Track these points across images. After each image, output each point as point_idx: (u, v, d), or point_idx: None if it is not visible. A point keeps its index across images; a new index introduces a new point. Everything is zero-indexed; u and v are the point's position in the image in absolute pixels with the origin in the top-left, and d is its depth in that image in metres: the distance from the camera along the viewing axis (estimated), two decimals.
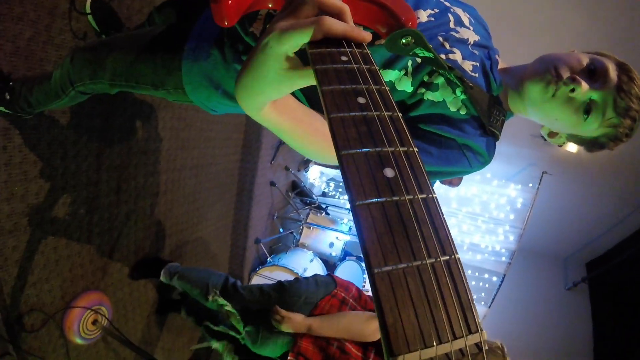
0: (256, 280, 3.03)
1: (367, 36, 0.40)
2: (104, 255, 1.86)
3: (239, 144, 3.03)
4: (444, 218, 0.26)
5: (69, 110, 1.55)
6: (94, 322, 1.77)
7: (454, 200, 3.75)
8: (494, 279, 3.54)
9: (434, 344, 0.20)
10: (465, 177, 3.60)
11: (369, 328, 1.44)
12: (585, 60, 0.79)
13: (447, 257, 0.24)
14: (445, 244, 0.24)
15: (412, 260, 0.23)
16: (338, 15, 0.42)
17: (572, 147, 3.09)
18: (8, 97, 1.27)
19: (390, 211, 0.25)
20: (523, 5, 2.58)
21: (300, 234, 3.59)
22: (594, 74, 0.77)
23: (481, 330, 0.22)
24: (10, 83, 1.28)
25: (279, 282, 1.79)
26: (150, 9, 1.78)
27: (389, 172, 0.27)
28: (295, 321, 1.51)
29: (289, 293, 1.67)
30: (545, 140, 3.34)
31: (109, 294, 1.89)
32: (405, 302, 0.21)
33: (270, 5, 0.63)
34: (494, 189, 3.58)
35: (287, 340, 1.55)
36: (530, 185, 3.36)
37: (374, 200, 0.25)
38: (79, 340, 1.70)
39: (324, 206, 3.93)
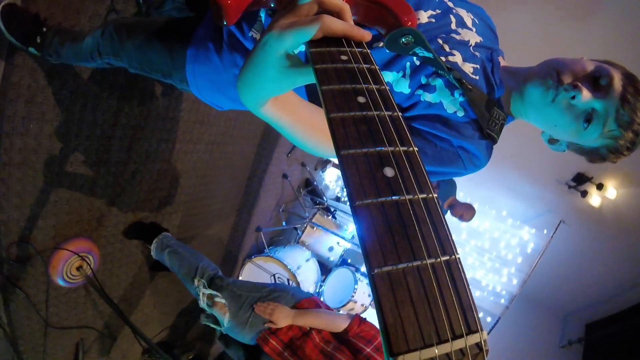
0: (248, 267, 3.05)
1: (367, 35, 0.40)
2: (102, 208, 1.92)
3: (259, 129, 3.07)
4: (444, 218, 0.26)
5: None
6: (79, 268, 1.83)
7: (465, 230, 3.66)
8: (488, 319, 3.43)
9: (434, 343, 0.20)
10: (480, 211, 3.51)
11: (340, 318, 1.66)
12: (590, 67, 0.76)
13: (447, 257, 0.24)
14: (446, 243, 0.24)
15: (412, 259, 0.23)
16: (338, 14, 0.42)
17: (595, 201, 2.95)
18: (39, 40, 1.34)
19: (390, 211, 0.25)
20: (531, 6, 2.46)
21: (303, 231, 3.59)
22: (597, 82, 0.74)
23: (481, 329, 0.22)
24: (44, 29, 1.35)
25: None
26: None
27: (388, 172, 0.27)
28: (284, 313, 1.66)
29: (278, 288, 1.84)
30: (569, 188, 3.22)
31: (99, 245, 1.96)
32: (405, 301, 0.21)
33: (270, 5, 0.63)
34: (508, 227, 3.48)
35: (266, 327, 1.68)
36: (545, 231, 3.23)
37: (373, 200, 0.25)
38: (60, 282, 1.76)
39: (332, 209, 3.92)
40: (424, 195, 0.26)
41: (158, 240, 2.10)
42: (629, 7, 2.25)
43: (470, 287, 0.23)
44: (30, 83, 1.44)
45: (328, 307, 1.87)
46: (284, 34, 0.39)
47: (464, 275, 0.24)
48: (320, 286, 3.44)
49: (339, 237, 3.55)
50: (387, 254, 0.23)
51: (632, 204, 2.78)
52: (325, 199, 3.90)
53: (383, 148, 0.28)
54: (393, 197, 0.25)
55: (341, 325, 1.64)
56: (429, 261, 0.23)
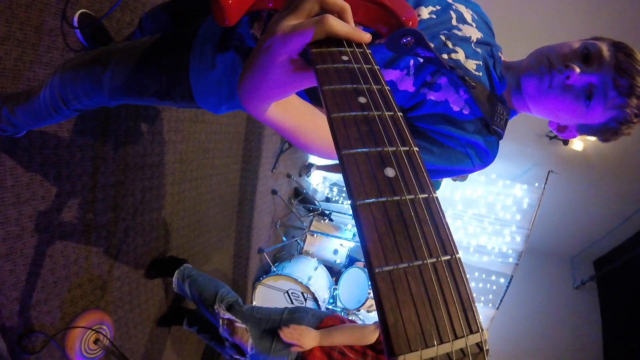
0: (260, 290, 3.01)
1: (367, 37, 0.40)
2: (103, 274, 1.84)
3: (239, 153, 3.02)
4: (445, 218, 0.26)
5: (60, 129, 1.54)
6: (96, 342, 1.75)
7: (460, 202, 3.71)
8: (502, 280, 3.49)
9: (435, 343, 0.20)
10: (470, 178, 3.56)
11: (367, 330, 1.62)
12: (577, 46, 0.77)
13: (448, 257, 0.24)
14: (446, 243, 0.24)
15: (413, 259, 0.23)
16: (340, 14, 0.41)
17: (577, 145, 3.04)
18: None
19: (391, 211, 0.25)
20: (525, 2, 2.55)
21: (304, 241, 3.57)
22: (588, 57, 0.75)
23: (482, 330, 0.22)
24: None
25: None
26: (137, 25, 1.77)
27: (390, 172, 0.27)
28: (311, 335, 1.61)
29: (298, 309, 1.81)
30: (550, 139, 3.31)
31: (109, 312, 1.88)
32: (406, 301, 0.21)
33: (270, 5, 0.63)
34: (500, 189, 3.54)
35: (294, 354, 1.65)
36: (537, 184, 3.31)
37: (374, 199, 0.25)
38: None
39: (327, 212, 3.91)
40: (425, 195, 0.26)
41: (179, 271, 2.09)
42: None
43: (469, 285, 0.24)
44: None
45: (352, 322, 1.84)
46: (288, 37, 0.38)
47: (465, 275, 0.24)
48: (335, 290, 3.43)
49: (341, 238, 3.55)
50: (388, 254, 0.23)
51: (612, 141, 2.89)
52: (317, 204, 3.88)
53: (384, 148, 0.28)
54: (394, 197, 0.25)
55: (371, 337, 1.60)
56: (430, 261, 0.23)
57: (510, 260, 3.40)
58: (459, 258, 0.24)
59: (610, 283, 3.99)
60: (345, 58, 0.37)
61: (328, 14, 0.39)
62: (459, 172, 0.84)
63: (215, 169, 2.71)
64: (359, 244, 3.48)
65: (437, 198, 0.27)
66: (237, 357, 1.81)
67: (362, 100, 0.32)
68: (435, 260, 0.23)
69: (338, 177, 4.16)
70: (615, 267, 3.86)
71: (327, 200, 4.46)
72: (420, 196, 0.26)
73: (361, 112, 0.31)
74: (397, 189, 0.26)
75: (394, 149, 0.29)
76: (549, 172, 3.05)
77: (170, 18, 1.26)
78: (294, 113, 0.55)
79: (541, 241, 3.92)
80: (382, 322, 0.21)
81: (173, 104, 0.96)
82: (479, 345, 0.22)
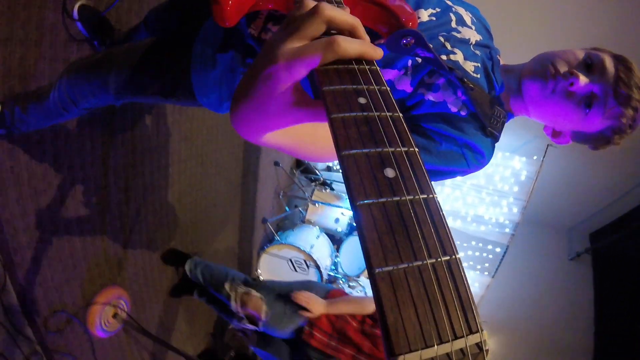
0: (265, 258, 3.13)
1: (381, 53, 0.37)
2: (118, 252, 1.94)
3: None
4: (444, 218, 0.26)
5: (70, 120, 1.57)
6: (114, 316, 1.88)
7: None
8: (498, 249, 3.61)
9: (435, 343, 0.21)
10: None
11: (367, 300, 1.80)
12: (581, 55, 0.79)
13: (448, 257, 0.24)
14: (446, 244, 0.24)
15: (412, 260, 0.23)
16: (350, 33, 0.37)
17: None
18: None
19: (391, 211, 0.25)
20: (524, 5, 2.48)
21: (306, 210, 3.65)
22: (591, 67, 0.78)
23: (482, 330, 0.22)
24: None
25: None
26: (138, 7, 1.74)
27: (389, 172, 0.27)
28: (319, 301, 1.77)
29: (305, 284, 1.96)
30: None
31: (126, 288, 2.00)
32: (406, 301, 0.21)
33: (270, 6, 0.63)
34: (499, 161, 3.57)
35: (305, 317, 1.78)
36: (535, 157, 3.34)
37: (374, 200, 0.25)
38: (101, 334, 1.82)
39: (328, 182, 3.96)
40: (425, 196, 0.26)
41: (192, 259, 2.27)
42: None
43: (469, 285, 0.24)
44: (12, 165, 1.40)
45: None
46: (293, 64, 0.33)
47: (465, 275, 0.24)
48: (336, 257, 3.56)
49: (342, 207, 3.63)
50: (388, 254, 0.23)
51: None
52: (319, 174, 3.93)
53: (384, 149, 0.28)
54: (394, 198, 0.25)
55: (370, 306, 1.75)
56: (429, 261, 0.23)
57: (507, 230, 3.50)
58: (459, 258, 0.24)
59: (605, 256, 4.09)
60: None
61: (337, 35, 0.34)
62: (455, 173, 0.85)
63: (219, 144, 2.74)
64: None
65: (437, 198, 0.27)
66: (248, 326, 1.93)
67: (362, 100, 0.32)
68: (434, 260, 0.23)
69: None
70: (611, 241, 3.95)
71: (329, 169, 4.51)
72: (420, 196, 0.26)
73: (361, 112, 0.31)
74: (397, 190, 0.26)
75: (394, 149, 0.29)
76: (547, 145, 3.07)
77: (175, 17, 1.25)
78: (292, 134, 0.49)
79: (538, 212, 3.99)
80: (382, 322, 0.21)
81: (176, 102, 0.99)
82: (479, 346, 0.22)
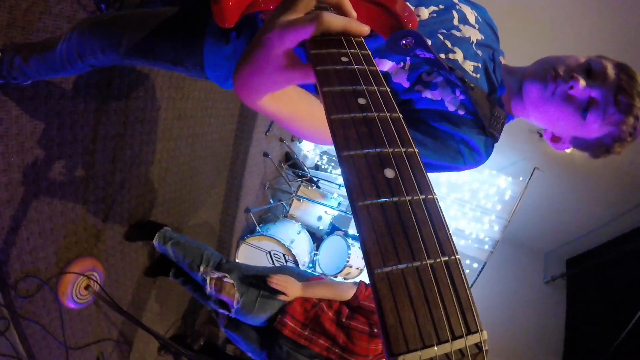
0: (244, 248, 3.09)
1: (366, 30, 0.40)
2: (97, 223, 1.89)
3: (235, 113, 3.00)
4: (444, 218, 0.26)
5: (66, 80, 1.52)
6: (87, 287, 1.82)
7: (444, 185, 3.80)
8: (475, 265, 3.65)
9: (434, 343, 0.21)
10: None
11: (345, 286, 1.72)
12: (582, 60, 0.80)
13: (447, 258, 0.24)
14: (445, 244, 0.24)
15: (411, 260, 0.23)
16: (337, 8, 0.42)
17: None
18: None
19: (390, 212, 0.25)
20: (530, 8, 2.54)
21: (290, 205, 3.63)
22: (591, 72, 0.78)
23: (481, 330, 0.22)
24: None
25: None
26: None
27: (389, 173, 0.27)
28: (295, 285, 1.69)
29: (283, 268, 1.88)
30: (540, 137, 3.38)
31: (101, 260, 1.94)
32: (405, 302, 0.21)
33: (272, 7, 0.62)
34: (485, 178, 3.62)
35: (279, 304, 1.70)
36: (521, 178, 3.40)
37: (374, 200, 0.25)
38: (71, 305, 1.76)
39: (315, 179, 3.96)
40: (424, 196, 0.26)
41: (160, 233, 2.10)
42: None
43: (468, 285, 0.24)
44: (2, 116, 1.34)
45: None
46: (284, 33, 0.39)
47: (464, 275, 0.24)
48: (315, 255, 3.55)
49: (326, 206, 3.62)
50: (387, 255, 0.23)
51: None
52: (307, 171, 3.93)
53: (383, 149, 0.28)
54: (393, 198, 0.25)
55: (349, 292, 1.69)
56: (428, 262, 0.23)
57: (486, 247, 3.55)
58: (459, 259, 0.24)
59: (579, 283, 4.15)
60: (345, 60, 0.37)
61: (324, 10, 0.39)
62: (450, 169, 0.85)
63: (211, 127, 2.70)
64: (343, 213, 3.59)
65: (436, 199, 0.27)
66: (221, 311, 1.88)
67: (361, 101, 0.32)
68: (433, 261, 0.23)
69: (328, 147, 4.17)
70: (587, 268, 4.02)
71: (317, 167, 4.50)
72: (420, 197, 0.26)
73: (360, 113, 0.31)
74: (396, 190, 0.26)
75: (393, 149, 0.29)
76: (534, 168, 3.15)
77: None
78: (288, 103, 0.54)
79: (518, 233, 4.06)
80: (382, 322, 0.21)
81: (184, 71, 0.98)
82: (478, 346, 0.22)
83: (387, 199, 0.25)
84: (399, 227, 0.24)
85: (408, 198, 0.26)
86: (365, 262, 0.23)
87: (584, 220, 3.89)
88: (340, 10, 0.42)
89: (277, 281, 1.68)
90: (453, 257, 0.24)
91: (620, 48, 2.26)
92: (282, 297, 1.68)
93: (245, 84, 0.46)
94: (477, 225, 3.58)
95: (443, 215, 0.26)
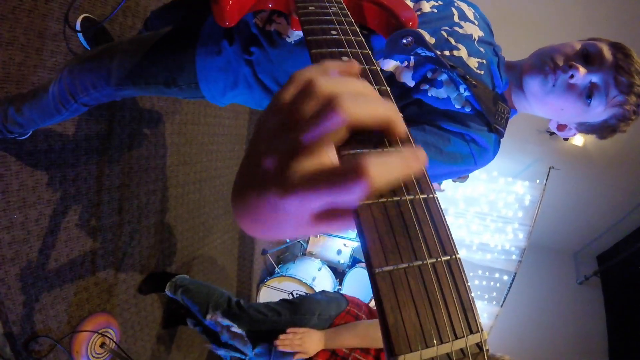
0: (265, 292, 3.00)
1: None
2: (109, 277, 1.84)
3: (241, 155, 3.02)
4: (445, 218, 0.26)
5: (65, 132, 1.54)
6: (102, 345, 1.75)
7: (462, 200, 3.71)
8: (505, 277, 3.50)
9: (435, 343, 0.21)
10: (472, 176, 3.56)
11: (377, 327, 1.43)
12: (578, 46, 0.80)
13: (448, 257, 0.24)
14: (446, 244, 0.24)
15: (413, 260, 0.23)
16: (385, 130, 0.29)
17: (578, 141, 3.05)
18: None
19: (391, 211, 0.25)
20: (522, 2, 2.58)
21: (307, 242, 3.57)
22: (588, 57, 0.78)
23: (482, 330, 0.22)
24: None
25: (286, 299, 1.77)
26: (142, 25, 1.77)
27: None
28: (314, 339, 1.44)
29: (301, 310, 1.60)
30: (551, 135, 3.32)
31: (115, 316, 1.88)
32: (406, 301, 0.21)
33: (270, 6, 0.62)
34: (502, 186, 3.54)
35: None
36: (538, 181, 3.32)
37: (375, 200, 0.25)
38: None
39: None
40: (425, 196, 0.26)
41: (171, 283, 2.02)
42: None
43: (469, 285, 0.23)
44: (2, 172, 1.35)
45: (369, 308, 1.66)
46: (308, 198, 0.24)
47: (465, 275, 0.24)
48: (339, 289, 3.42)
49: (344, 238, 3.55)
50: (389, 254, 0.23)
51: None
52: None
53: (383, 149, 0.28)
54: (394, 198, 0.25)
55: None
56: (429, 261, 0.23)
57: (514, 257, 3.41)
58: (459, 258, 0.24)
59: (614, 278, 3.99)
60: (345, 59, 0.36)
61: (368, 158, 0.23)
62: (462, 172, 0.84)
63: (218, 170, 2.71)
64: None
65: (437, 198, 0.26)
66: (240, 356, 1.75)
67: None
68: (435, 260, 0.23)
69: None
70: (619, 261, 3.87)
71: None
72: (420, 196, 0.26)
73: None
74: (397, 190, 0.26)
75: (393, 149, 0.28)
76: (550, 168, 3.07)
77: (178, 15, 1.26)
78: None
79: (544, 237, 3.93)
80: (382, 322, 0.21)
81: (179, 92, 0.96)
82: (479, 346, 0.22)
83: (388, 199, 0.25)
84: (400, 227, 0.24)
85: (409, 197, 0.26)
86: (366, 262, 0.23)
87: (607, 213, 3.80)
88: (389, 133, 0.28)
89: (290, 343, 1.42)
90: (454, 257, 0.24)
91: (612, 28, 2.24)
92: (299, 357, 1.44)
93: (251, 230, 0.34)
94: (501, 236, 3.46)
95: (443, 214, 0.26)
